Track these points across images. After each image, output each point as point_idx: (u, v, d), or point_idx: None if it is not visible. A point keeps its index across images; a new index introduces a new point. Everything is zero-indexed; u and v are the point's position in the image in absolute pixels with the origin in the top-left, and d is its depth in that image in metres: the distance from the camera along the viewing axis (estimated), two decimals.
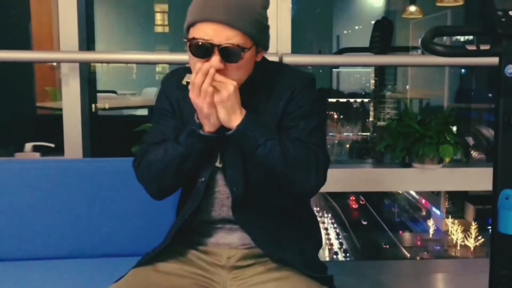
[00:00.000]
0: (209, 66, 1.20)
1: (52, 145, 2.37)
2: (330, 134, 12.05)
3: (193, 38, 1.21)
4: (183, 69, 1.40)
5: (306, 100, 1.32)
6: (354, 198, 14.67)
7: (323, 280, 1.29)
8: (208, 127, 1.25)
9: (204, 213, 1.36)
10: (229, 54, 1.21)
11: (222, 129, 1.25)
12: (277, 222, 1.35)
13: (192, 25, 1.23)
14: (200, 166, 1.33)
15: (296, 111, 1.31)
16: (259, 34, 1.25)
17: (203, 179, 1.33)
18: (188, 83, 1.23)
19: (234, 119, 1.22)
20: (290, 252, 1.30)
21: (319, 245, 1.45)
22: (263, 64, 1.34)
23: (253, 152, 1.24)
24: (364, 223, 14.35)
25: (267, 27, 1.30)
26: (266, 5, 1.29)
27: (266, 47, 1.31)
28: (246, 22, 1.21)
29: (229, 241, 1.36)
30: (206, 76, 1.19)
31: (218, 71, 1.21)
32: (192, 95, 1.22)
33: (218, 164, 1.33)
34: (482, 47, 1.35)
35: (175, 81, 1.38)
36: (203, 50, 1.21)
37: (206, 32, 1.20)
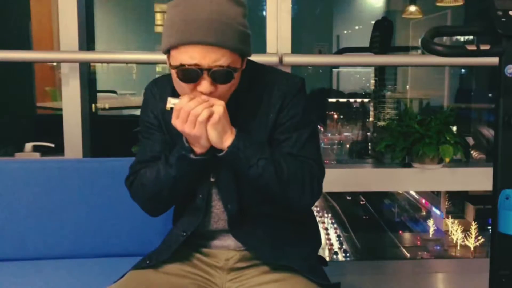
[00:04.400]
0: (205, 97, 1.15)
1: (52, 145, 2.37)
2: (330, 134, 12.04)
3: (180, 65, 1.15)
4: (165, 78, 1.35)
5: (297, 109, 1.28)
6: (353, 198, 14.66)
7: (329, 286, 1.29)
8: (199, 149, 1.20)
9: (202, 227, 1.36)
10: (220, 77, 1.16)
11: (213, 148, 1.21)
12: (276, 231, 1.34)
13: (174, 47, 1.16)
14: (196, 182, 1.31)
15: (287, 122, 1.27)
16: (245, 47, 1.20)
17: (201, 196, 1.32)
18: (172, 108, 1.16)
19: (225, 140, 1.18)
20: (293, 258, 1.29)
21: (319, 245, 1.45)
22: (248, 72, 1.28)
23: (245, 172, 1.21)
24: (364, 223, 14.33)
25: (250, 35, 1.23)
26: (246, 13, 1.21)
27: (250, 54, 1.25)
28: (232, 39, 1.15)
29: (227, 243, 1.36)
30: (199, 103, 1.14)
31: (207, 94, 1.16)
32: (178, 122, 1.15)
33: (211, 179, 1.31)
34: (482, 47, 1.35)
35: (158, 92, 1.35)
36: (192, 76, 1.15)
37: (192, 55, 1.13)
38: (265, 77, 1.31)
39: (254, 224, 1.32)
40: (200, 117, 1.14)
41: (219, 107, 1.16)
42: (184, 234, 1.34)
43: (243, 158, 1.19)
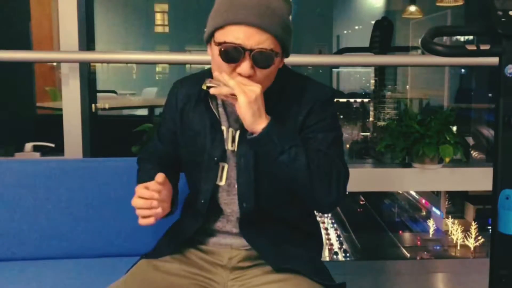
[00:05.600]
0: (244, 79, 1.17)
1: (52, 145, 2.37)
2: None
3: (224, 42, 1.17)
4: (194, 76, 1.38)
5: (325, 114, 1.29)
6: (353, 198, 14.67)
7: (333, 286, 1.29)
8: None
9: (207, 229, 1.37)
10: (261, 59, 1.17)
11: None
12: (284, 235, 1.34)
13: (219, 28, 1.18)
14: (199, 187, 1.33)
15: (314, 125, 1.28)
16: (288, 39, 1.23)
17: (203, 201, 1.32)
18: (208, 87, 1.19)
19: (260, 122, 1.17)
20: (299, 263, 1.29)
21: (321, 249, 1.45)
22: (283, 72, 1.30)
23: (276, 158, 1.18)
24: (364, 223, 14.34)
25: (292, 32, 1.26)
26: (291, 12, 1.26)
27: (289, 54, 1.28)
28: (277, 26, 1.18)
29: (231, 241, 1.36)
30: (144, 200, 1.19)
31: (247, 77, 1.18)
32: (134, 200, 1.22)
33: (219, 182, 1.31)
34: (482, 47, 1.35)
35: (185, 88, 1.37)
36: (233, 55, 1.16)
37: (236, 35, 1.16)
38: (299, 82, 1.33)
39: (263, 226, 1.32)
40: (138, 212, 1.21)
41: (256, 87, 1.16)
42: (184, 235, 1.35)
43: (276, 142, 1.17)
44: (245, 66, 1.17)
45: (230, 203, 1.33)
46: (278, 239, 1.33)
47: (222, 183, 1.31)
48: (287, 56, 1.28)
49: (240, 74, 1.18)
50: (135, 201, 1.20)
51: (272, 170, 1.22)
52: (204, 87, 1.20)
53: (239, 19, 1.15)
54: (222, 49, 1.17)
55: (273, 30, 1.17)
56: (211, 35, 1.21)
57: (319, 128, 1.27)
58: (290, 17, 1.25)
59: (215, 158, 1.30)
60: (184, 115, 1.36)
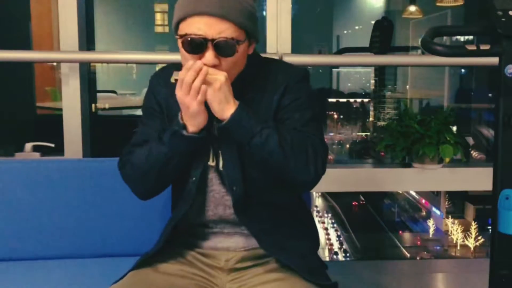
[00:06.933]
0: (201, 64, 1.16)
1: (52, 145, 2.37)
2: (330, 134, 12.06)
3: (185, 34, 1.18)
4: (173, 66, 1.36)
5: (301, 93, 1.30)
6: (353, 198, 14.67)
7: (327, 286, 1.29)
8: (192, 127, 1.21)
9: (199, 213, 1.35)
10: (224, 48, 1.18)
11: (206, 129, 1.22)
12: (277, 222, 1.34)
13: (182, 20, 1.20)
14: (190, 165, 1.31)
15: (290, 104, 1.29)
16: (251, 25, 1.23)
17: (194, 179, 1.31)
18: (176, 80, 1.19)
19: (228, 109, 1.18)
20: (293, 256, 1.30)
21: (318, 245, 1.45)
22: (255, 58, 1.32)
23: (248, 142, 1.20)
24: (364, 223, 14.34)
25: (257, 18, 1.26)
26: None
27: (257, 39, 1.29)
28: (238, 13, 1.19)
29: (227, 244, 1.36)
30: (198, 73, 1.16)
31: (212, 66, 1.18)
32: (180, 93, 1.17)
33: (211, 162, 1.31)
34: (482, 47, 1.35)
35: (163, 78, 1.36)
36: (196, 46, 1.18)
37: (198, 26, 1.17)
38: (271, 65, 1.35)
39: (257, 211, 1.32)
40: (194, 85, 1.16)
41: (220, 76, 1.18)
42: (174, 223, 1.34)
43: (246, 127, 1.18)
44: (208, 56, 1.18)
45: (219, 185, 1.32)
46: (272, 226, 1.32)
47: (214, 163, 1.31)
48: (256, 41, 1.29)
49: (205, 64, 1.18)
50: (188, 76, 1.16)
51: (250, 154, 1.23)
52: (172, 80, 1.20)
53: (199, 9, 1.17)
54: (185, 41, 1.19)
55: (234, 18, 1.18)
56: (176, 28, 1.23)
57: (295, 107, 1.29)
58: (255, 2, 1.25)
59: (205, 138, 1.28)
60: (169, 102, 1.33)
